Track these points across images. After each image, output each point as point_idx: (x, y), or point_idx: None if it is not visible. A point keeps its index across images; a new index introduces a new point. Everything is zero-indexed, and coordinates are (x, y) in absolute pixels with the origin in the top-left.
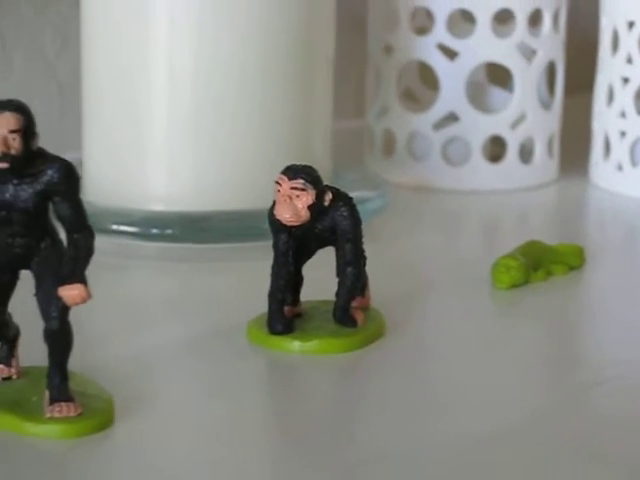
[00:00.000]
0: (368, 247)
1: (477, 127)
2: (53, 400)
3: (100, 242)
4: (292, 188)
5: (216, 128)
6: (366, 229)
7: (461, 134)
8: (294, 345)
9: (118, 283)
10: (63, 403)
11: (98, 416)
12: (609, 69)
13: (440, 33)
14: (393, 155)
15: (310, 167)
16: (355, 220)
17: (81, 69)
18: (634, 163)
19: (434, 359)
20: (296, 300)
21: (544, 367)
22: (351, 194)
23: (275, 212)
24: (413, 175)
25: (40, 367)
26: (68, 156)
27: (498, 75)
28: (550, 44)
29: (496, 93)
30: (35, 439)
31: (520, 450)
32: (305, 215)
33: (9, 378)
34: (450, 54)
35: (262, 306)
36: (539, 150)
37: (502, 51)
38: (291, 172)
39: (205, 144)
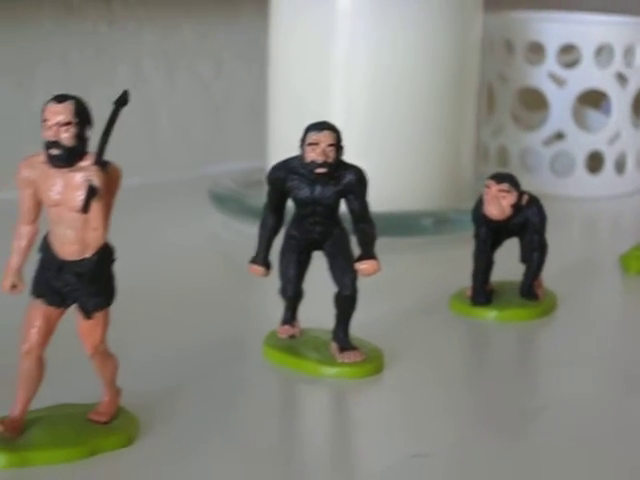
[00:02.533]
0: (511, 242)
1: (580, 144)
2: (342, 349)
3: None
4: (500, 190)
5: (384, 142)
6: None
7: (567, 149)
8: (492, 314)
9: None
10: (351, 351)
11: (375, 361)
12: None
13: (551, 64)
14: (507, 167)
15: (511, 174)
16: (543, 217)
17: (268, 86)
18: None
19: (591, 326)
20: (488, 279)
21: None
22: None
23: (485, 209)
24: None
25: (310, 329)
26: (224, 165)
27: (587, 98)
28: None
29: (588, 114)
30: (327, 379)
31: None
32: (509, 212)
33: (293, 336)
34: (559, 81)
35: (452, 286)
36: (630, 163)
37: (602, 79)
38: (498, 177)
39: (375, 156)
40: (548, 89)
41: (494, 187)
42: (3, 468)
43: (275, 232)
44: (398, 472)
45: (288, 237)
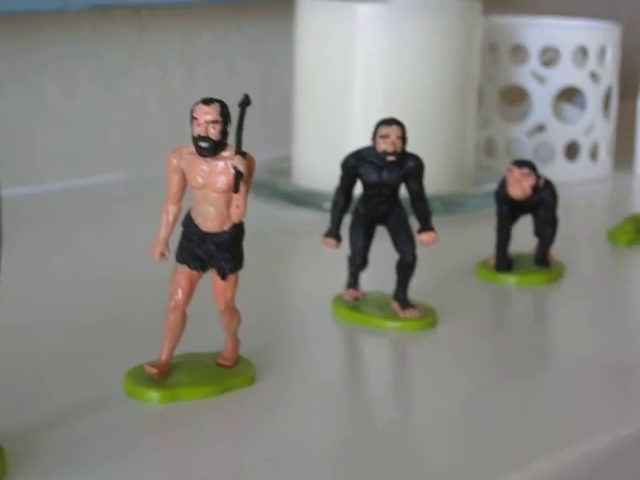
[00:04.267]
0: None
1: (559, 134)
2: (404, 307)
3: (308, 215)
4: (521, 174)
5: None
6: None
7: (547, 140)
8: (512, 279)
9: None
10: (411, 309)
11: (430, 317)
12: None
13: (533, 64)
14: (494, 157)
15: (530, 161)
16: (556, 197)
17: (294, 83)
18: None
19: (594, 289)
20: (507, 250)
21: None
22: (489, 184)
23: (509, 190)
24: None
25: (369, 292)
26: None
27: (562, 93)
28: (610, 72)
29: (564, 108)
30: (390, 332)
31: None
32: (529, 192)
33: (357, 298)
34: (540, 80)
35: (471, 258)
36: (602, 151)
37: (579, 78)
38: (520, 163)
39: None
40: (531, 86)
41: (517, 171)
42: (158, 402)
43: (345, 211)
44: (450, 408)
45: (356, 214)
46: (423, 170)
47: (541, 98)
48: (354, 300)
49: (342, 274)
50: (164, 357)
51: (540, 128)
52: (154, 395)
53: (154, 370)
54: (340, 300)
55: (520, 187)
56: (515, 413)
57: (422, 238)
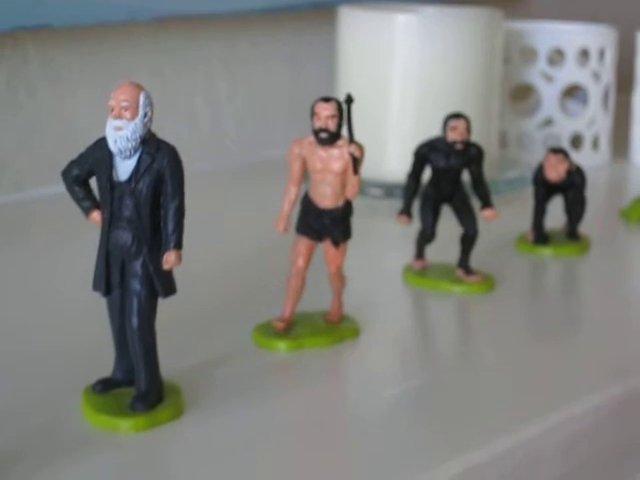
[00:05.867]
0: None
1: (565, 127)
2: (467, 273)
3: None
4: (557, 160)
5: (430, 129)
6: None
7: (555, 132)
8: (548, 251)
9: (375, 223)
10: (474, 275)
11: (490, 282)
12: None
13: (542, 64)
14: (507, 148)
15: (564, 149)
16: (585, 180)
17: (336, 82)
18: None
19: (618, 259)
20: (543, 226)
21: None
22: (509, 171)
23: (546, 174)
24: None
25: (434, 262)
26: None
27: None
28: (609, 71)
29: (567, 103)
30: (455, 295)
31: None
32: (564, 176)
33: (424, 267)
34: (548, 78)
35: (512, 234)
36: (603, 141)
37: (583, 76)
38: (555, 151)
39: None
40: (539, 85)
41: (553, 158)
42: (285, 351)
43: (415, 193)
44: (505, 357)
45: (426, 196)
46: (483, 156)
47: (549, 95)
48: (422, 269)
49: (395, 251)
50: (287, 314)
51: (548, 122)
52: (282, 345)
53: (281, 324)
54: (410, 269)
55: (556, 171)
56: (554, 362)
57: (485, 214)
